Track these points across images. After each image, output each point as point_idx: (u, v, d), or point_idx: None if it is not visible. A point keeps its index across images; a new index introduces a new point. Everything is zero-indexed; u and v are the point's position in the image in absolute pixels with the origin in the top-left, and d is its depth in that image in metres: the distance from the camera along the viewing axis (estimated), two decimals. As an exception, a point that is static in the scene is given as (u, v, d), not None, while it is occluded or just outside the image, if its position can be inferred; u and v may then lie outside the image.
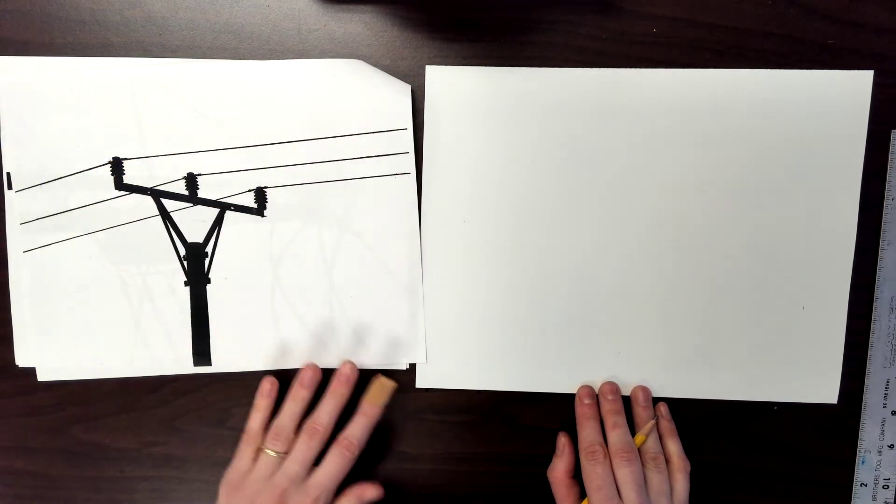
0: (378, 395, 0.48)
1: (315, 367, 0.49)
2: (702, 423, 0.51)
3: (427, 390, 0.51)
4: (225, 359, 0.51)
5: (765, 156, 0.48)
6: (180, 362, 0.51)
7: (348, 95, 0.48)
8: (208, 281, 0.50)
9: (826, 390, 0.50)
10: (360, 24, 0.48)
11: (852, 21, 0.47)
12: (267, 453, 0.47)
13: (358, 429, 0.47)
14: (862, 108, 0.47)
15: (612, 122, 0.48)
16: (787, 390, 0.50)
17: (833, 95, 0.47)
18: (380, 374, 0.49)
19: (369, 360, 0.51)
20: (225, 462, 0.52)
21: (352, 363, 0.49)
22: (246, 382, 0.52)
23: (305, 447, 0.46)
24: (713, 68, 0.47)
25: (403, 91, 0.48)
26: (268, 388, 0.49)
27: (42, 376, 0.51)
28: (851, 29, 0.47)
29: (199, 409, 0.52)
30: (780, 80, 0.47)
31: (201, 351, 0.51)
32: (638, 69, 0.48)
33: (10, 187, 0.49)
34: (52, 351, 0.50)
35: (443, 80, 0.48)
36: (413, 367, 0.51)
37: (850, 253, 0.49)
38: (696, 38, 0.48)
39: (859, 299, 0.49)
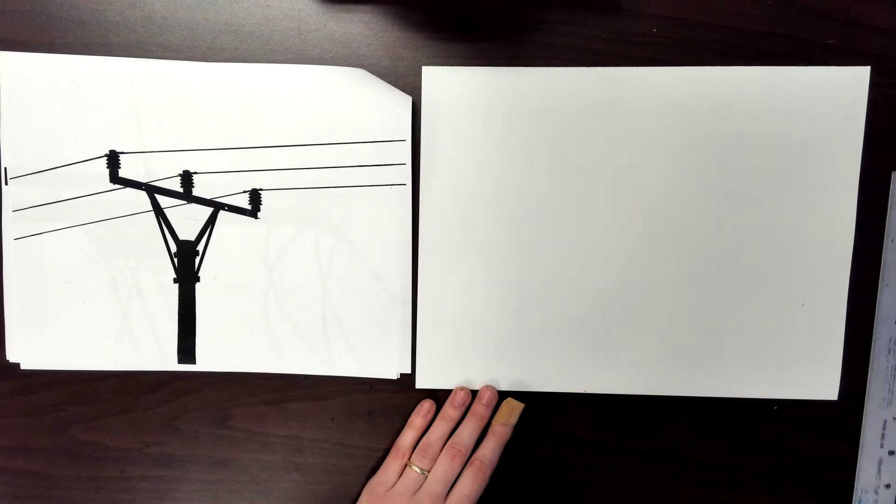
0: (508, 415, 0.50)
1: (467, 390, 0.50)
2: (702, 423, 0.51)
3: (427, 391, 0.51)
4: (210, 358, 0.51)
5: (763, 153, 0.48)
6: (165, 359, 0.51)
7: (349, 104, 0.48)
8: (198, 279, 0.50)
9: (826, 386, 0.50)
10: (360, 24, 0.48)
11: (852, 21, 0.47)
12: (413, 469, 0.48)
13: (489, 450, 0.49)
14: (859, 104, 0.47)
15: (612, 121, 0.48)
16: (788, 387, 0.50)
17: (831, 92, 0.47)
18: (509, 397, 0.50)
19: (358, 369, 0.51)
20: (225, 462, 0.52)
21: (492, 388, 0.50)
22: (246, 383, 0.52)
23: (447, 466, 0.48)
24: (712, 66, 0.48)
25: (404, 102, 0.48)
26: (427, 407, 0.51)
27: (25, 365, 0.51)
28: (851, 29, 0.47)
29: (199, 409, 0.52)
30: (779, 77, 0.47)
31: (186, 349, 0.51)
32: (638, 68, 0.48)
33: (6, 183, 0.49)
34: (36, 340, 0.51)
35: (439, 80, 0.48)
36: (403, 376, 0.51)
37: (848, 248, 0.49)
38: (696, 38, 0.48)
39: (859, 300, 0.49)
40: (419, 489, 0.47)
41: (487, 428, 0.50)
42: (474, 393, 0.50)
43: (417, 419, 0.50)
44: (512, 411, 0.50)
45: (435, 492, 0.47)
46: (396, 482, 0.49)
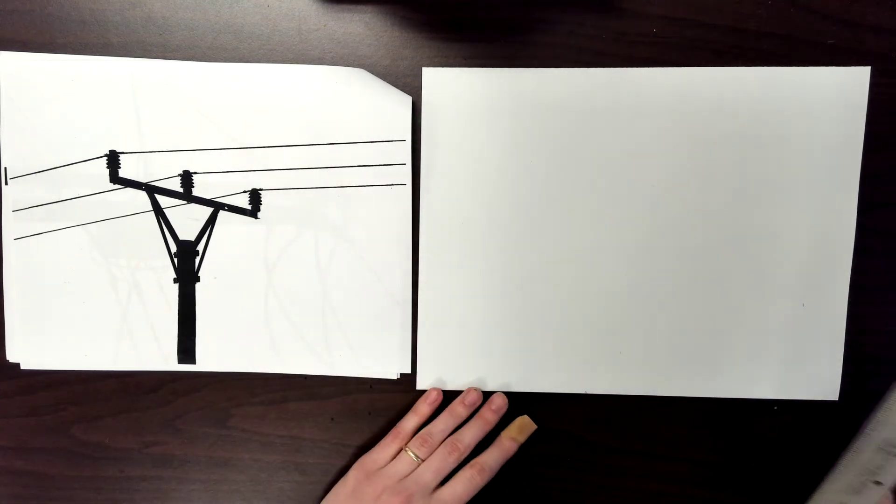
0: (519, 432, 0.50)
1: (479, 392, 0.50)
2: (702, 423, 0.51)
3: (427, 391, 0.51)
4: (210, 358, 0.51)
5: (763, 153, 0.48)
6: (165, 359, 0.51)
7: (349, 104, 0.48)
8: (198, 279, 0.50)
9: (826, 386, 0.50)
10: (360, 24, 0.48)
11: (852, 21, 0.47)
12: (408, 454, 0.48)
13: (493, 458, 0.48)
14: (860, 105, 0.47)
15: (612, 121, 0.48)
16: (789, 388, 0.50)
17: (831, 92, 0.47)
18: (525, 415, 0.50)
19: (358, 369, 0.51)
20: (225, 462, 0.52)
21: (504, 397, 0.50)
22: (246, 383, 0.52)
23: (442, 459, 0.47)
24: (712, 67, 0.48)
25: (404, 102, 0.48)
26: (434, 396, 0.50)
27: (25, 365, 0.51)
28: (851, 29, 0.47)
29: (199, 409, 0.52)
30: (779, 78, 0.47)
31: (186, 349, 0.51)
32: (638, 69, 0.48)
33: (6, 183, 0.49)
34: (36, 340, 0.51)
35: (439, 81, 0.48)
36: (403, 376, 0.51)
37: (848, 248, 0.49)
38: (696, 38, 0.48)
39: (859, 299, 0.49)
40: (409, 475, 0.47)
41: (491, 437, 0.50)
42: (486, 396, 0.50)
43: (423, 407, 0.50)
44: (523, 429, 0.50)
45: (424, 481, 0.47)
46: (389, 464, 0.48)
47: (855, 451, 0.41)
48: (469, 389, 0.50)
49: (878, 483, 0.42)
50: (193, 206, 0.49)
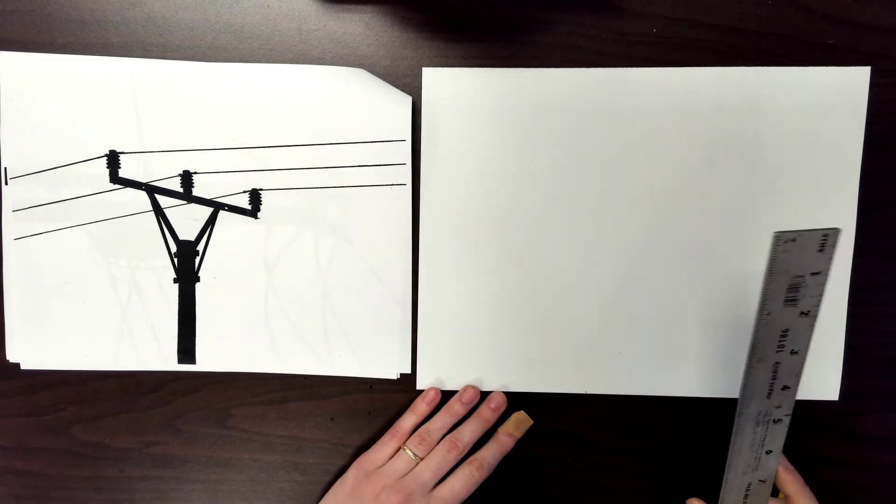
0: (516, 427, 0.50)
1: (477, 389, 0.50)
2: (702, 423, 0.51)
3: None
4: (210, 358, 0.51)
5: (763, 153, 0.48)
6: (165, 359, 0.51)
7: (349, 104, 0.48)
8: (198, 279, 0.50)
9: (827, 386, 0.50)
10: (360, 24, 0.48)
11: (852, 21, 0.47)
12: (406, 452, 0.48)
13: (490, 454, 0.49)
14: (859, 104, 0.47)
15: (612, 121, 0.48)
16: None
17: (831, 92, 0.47)
18: (522, 410, 0.50)
19: (358, 369, 0.51)
20: (225, 462, 0.53)
21: (503, 394, 0.50)
22: (246, 383, 0.52)
23: (442, 458, 0.48)
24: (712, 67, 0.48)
25: (404, 102, 0.48)
26: (432, 395, 0.50)
27: (25, 365, 0.51)
28: (851, 29, 0.47)
29: (199, 409, 0.52)
30: (779, 78, 0.47)
31: (186, 349, 0.51)
32: (638, 69, 0.48)
33: (6, 183, 0.49)
34: (36, 340, 0.51)
35: (439, 81, 0.48)
36: (403, 376, 0.51)
37: (848, 248, 0.49)
38: (696, 38, 0.48)
39: (859, 300, 0.49)
40: (408, 474, 0.47)
41: (488, 434, 0.50)
42: (483, 395, 0.50)
43: (421, 405, 0.50)
44: (520, 424, 0.50)
45: (423, 480, 0.47)
46: (387, 462, 0.48)
47: (738, 433, 0.42)
48: (466, 387, 0.50)
49: (769, 452, 0.44)
50: (193, 206, 0.49)
